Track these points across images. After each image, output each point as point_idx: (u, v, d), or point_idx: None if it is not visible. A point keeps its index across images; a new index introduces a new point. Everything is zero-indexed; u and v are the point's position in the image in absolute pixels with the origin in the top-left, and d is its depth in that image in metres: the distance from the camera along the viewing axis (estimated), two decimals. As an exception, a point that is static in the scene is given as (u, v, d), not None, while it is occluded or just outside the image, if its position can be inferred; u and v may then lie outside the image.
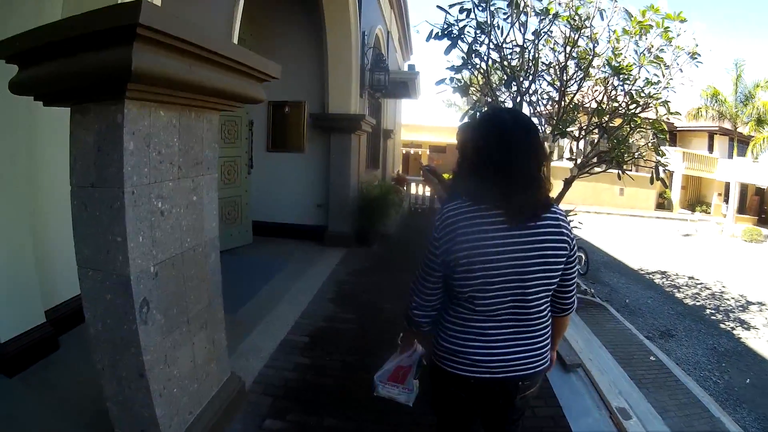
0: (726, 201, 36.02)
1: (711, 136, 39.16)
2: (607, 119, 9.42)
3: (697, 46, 8.67)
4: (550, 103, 10.35)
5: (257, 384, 4.72)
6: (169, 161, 2.99)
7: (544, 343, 2.37)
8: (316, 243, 10.44)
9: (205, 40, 2.78)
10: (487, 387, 2.31)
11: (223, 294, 6.03)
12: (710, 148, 39.19)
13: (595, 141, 9.66)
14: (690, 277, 18.05)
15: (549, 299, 2.35)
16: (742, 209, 35.15)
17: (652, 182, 9.56)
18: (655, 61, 8.86)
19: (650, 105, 9.15)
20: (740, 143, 35.43)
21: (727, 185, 35.40)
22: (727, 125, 34.46)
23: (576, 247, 2.31)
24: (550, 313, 2.40)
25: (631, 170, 9.10)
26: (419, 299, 2.42)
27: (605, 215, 33.61)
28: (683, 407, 6.75)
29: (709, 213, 38.15)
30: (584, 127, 9.92)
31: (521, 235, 2.14)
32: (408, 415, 2.69)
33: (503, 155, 2.12)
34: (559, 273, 2.27)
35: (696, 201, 39.89)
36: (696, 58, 8.96)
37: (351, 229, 10.73)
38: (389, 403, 3.24)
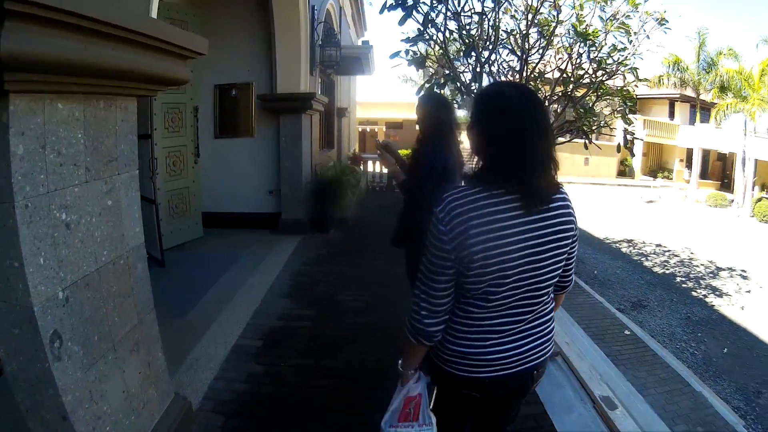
0: (688, 167, 37.23)
1: (672, 103, 39.70)
2: (572, 88, 9.25)
3: (665, 12, 8.53)
4: (510, 73, 10.12)
5: (207, 400, 4.27)
6: (73, 162, 2.49)
7: (552, 326, 2.27)
8: (270, 232, 9.90)
9: (107, 14, 2.28)
10: (502, 383, 2.17)
11: (172, 295, 5.85)
12: (671, 115, 39.73)
13: (559, 111, 9.38)
14: (657, 245, 18.41)
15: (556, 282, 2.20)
16: (704, 175, 36.24)
17: (618, 150, 9.66)
18: (622, 27, 8.73)
19: (618, 72, 9.04)
20: (702, 110, 36.32)
21: (689, 151, 36.62)
22: (689, 92, 34.96)
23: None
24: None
25: (596, 139, 9.06)
26: (429, 305, 2.09)
27: (567, 184, 34.19)
28: (663, 383, 6.80)
29: (671, 179, 39.19)
30: (548, 97, 9.70)
31: (535, 221, 1.98)
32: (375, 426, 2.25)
33: (517, 134, 1.92)
34: (567, 259, 2.18)
35: (657, 168, 40.94)
36: (664, 24, 8.81)
37: (306, 215, 10.18)
38: (354, 415, 2.78)
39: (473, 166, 2.10)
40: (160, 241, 7.61)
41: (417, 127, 4.54)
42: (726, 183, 37.13)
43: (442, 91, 10.25)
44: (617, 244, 17.87)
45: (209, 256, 8.30)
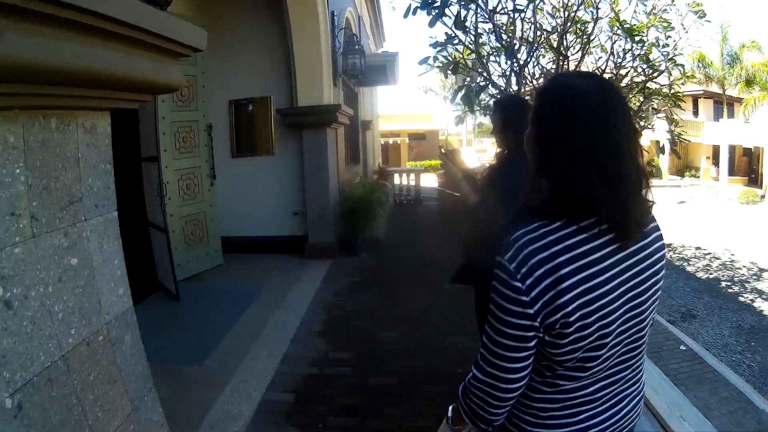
0: (715, 164, 37.21)
1: (695, 100, 39.15)
2: (624, 87, 8.76)
3: (702, 4, 8.25)
4: (552, 73, 9.59)
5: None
6: (9, 211, 1.71)
7: (643, 382, 1.74)
8: (295, 256, 9.11)
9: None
10: None
11: (188, 337, 5.55)
12: (695, 113, 39.11)
13: None
14: (697, 248, 18.10)
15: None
16: (731, 171, 35.69)
17: (663, 152, 9.58)
18: (662, 22, 8.24)
19: (667, 69, 8.52)
20: (728, 105, 36.31)
21: (715, 148, 36.32)
22: (715, 88, 35.13)
23: None
24: None
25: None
26: (494, 390, 1.51)
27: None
28: (726, 402, 6.46)
29: (699, 177, 38.98)
30: None
31: (633, 257, 1.46)
32: None
33: (602, 143, 1.36)
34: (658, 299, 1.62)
35: (684, 166, 40.25)
36: (703, 17, 8.34)
37: (334, 237, 9.37)
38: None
39: (539, 190, 1.50)
40: (173, 273, 6.91)
41: (493, 140, 3.60)
42: (753, 178, 36.75)
43: (478, 99, 9.62)
44: (657, 250, 17.09)
45: (230, 287, 7.55)
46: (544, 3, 8.74)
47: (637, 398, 1.69)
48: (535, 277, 1.37)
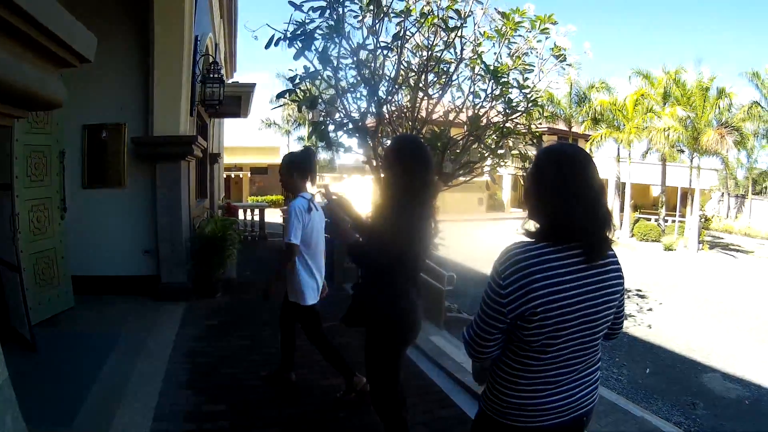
0: None
1: (540, 136, 41.07)
2: (482, 127, 8.93)
3: (565, 50, 8.65)
4: (407, 112, 9.66)
5: None
6: None
7: (598, 374, 2.36)
8: (149, 298, 8.48)
9: None
10: (557, 431, 2.21)
11: (51, 393, 5.07)
12: (540, 149, 41.61)
13: (459, 151, 9.04)
14: None
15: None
16: None
17: (488, 188, 10.72)
18: (525, 65, 8.54)
19: (526, 109, 8.80)
20: (571, 140, 38.83)
21: None
22: (561, 125, 37.45)
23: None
24: None
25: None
26: (477, 347, 2.25)
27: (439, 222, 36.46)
28: (604, 415, 6.51)
29: None
30: (451, 138, 9.32)
31: (593, 275, 2.10)
32: None
33: (585, 190, 2.06)
34: (617, 310, 2.27)
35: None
36: (564, 60, 8.71)
37: (188, 277, 8.86)
38: None
39: (528, 221, 2.23)
40: (27, 317, 6.17)
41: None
42: None
43: (336, 135, 9.50)
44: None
45: (86, 334, 6.91)
46: (407, 41, 8.77)
47: (590, 388, 2.28)
48: (512, 281, 2.03)
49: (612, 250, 2.19)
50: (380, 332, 3.57)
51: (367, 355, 3.69)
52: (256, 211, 18.79)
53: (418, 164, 3.40)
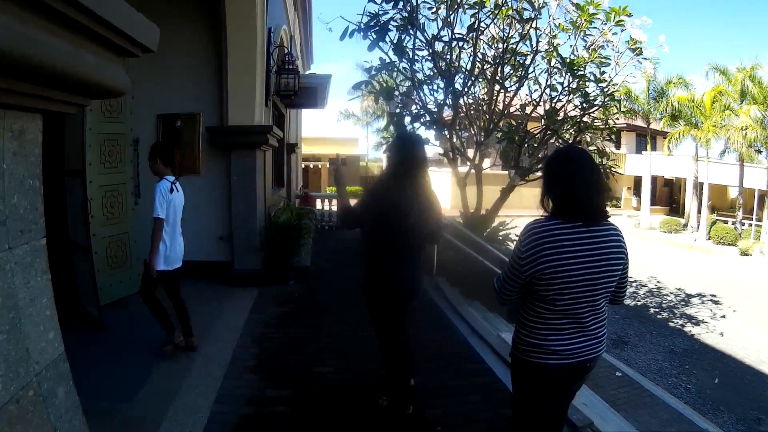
0: (636, 194, 39.42)
1: (618, 132, 39.99)
2: (559, 121, 8.75)
3: (641, 43, 8.22)
4: (484, 105, 9.51)
5: None
6: None
7: (605, 330, 2.93)
8: (221, 283, 8.63)
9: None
10: (563, 371, 2.83)
11: (115, 369, 5.29)
12: (617, 145, 40.27)
13: (537, 145, 8.79)
14: None
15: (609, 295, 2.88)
16: (653, 201, 37.04)
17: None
18: (601, 58, 8.32)
19: (603, 103, 8.56)
20: (649, 138, 37.90)
21: (636, 179, 38.40)
22: (639, 122, 36.16)
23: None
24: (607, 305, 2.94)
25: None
26: (503, 296, 2.98)
27: (516, 218, 35.41)
28: (668, 424, 6.58)
29: (620, 207, 40.44)
30: (528, 132, 9.10)
31: (593, 243, 2.69)
32: None
33: (583, 180, 2.70)
34: (618, 275, 2.82)
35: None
36: (640, 54, 8.43)
37: (261, 264, 8.97)
38: None
39: (545, 204, 2.85)
40: (96, 297, 6.44)
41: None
42: (674, 208, 39.08)
43: (413, 126, 9.44)
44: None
45: (152, 316, 6.93)
46: (482, 33, 8.68)
47: (595, 341, 2.84)
48: (529, 249, 2.68)
49: (613, 225, 2.83)
50: (368, 290, 4.41)
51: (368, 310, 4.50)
52: (333, 202, 18.64)
53: (405, 154, 4.25)
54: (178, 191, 5.69)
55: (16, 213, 1.86)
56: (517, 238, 2.94)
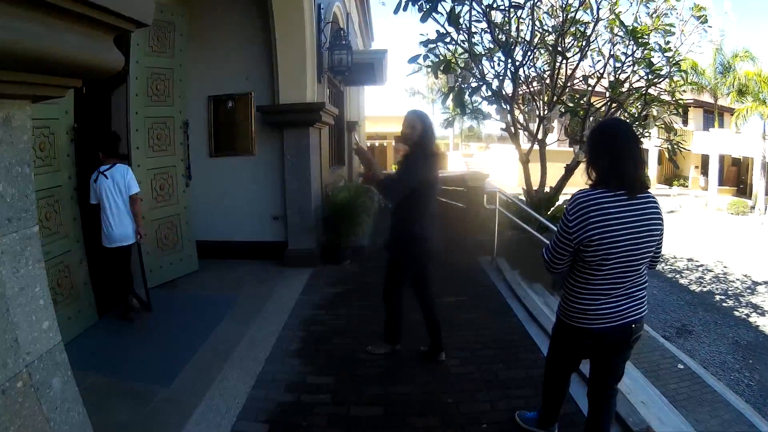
0: (703, 174, 37.84)
1: (685, 109, 38.59)
2: (624, 93, 8.41)
3: (705, 9, 7.93)
4: (546, 78, 9.22)
5: None
6: None
7: (645, 293, 3.13)
8: (275, 263, 8.57)
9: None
10: (608, 333, 3.04)
11: (157, 351, 5.39)
12: (684, 122, 38.89)
13: (601, 120, 8.49)
14: (689, 259, 18.09)
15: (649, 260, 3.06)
16: (720, 181, 35.78)
17: (671, 160, 9.98)
18: (665, 25, 7.94)
19: (669, 74, 8.19)
20: (716, 114, 36.70)
21: (704, 158, 36.67)
22: (706, 97, 35.23)
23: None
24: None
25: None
26: (551, 264, 3.17)
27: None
28: (728, 425, 6.18)
29: (687, 187, 39.23)
30: (592, 105, 8.79)
31: (634, 211, 2.89)
32: None
33: (626, 151, 2.90)
34: (657, 242, 3.02)
35: (673, 175, 39.87)
36: (705, 22, 8.02)
37: (316, 243, 8.83)
38: None
39: (590, 174, 3.05)
40: (144, 278, 6.50)
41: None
42: (742, 188, 37.21)
43: (472, 100, 9.23)
44: (648, 260, 16.69)
45: (204, 297, 7.06)
46: (541, 2, 8.40)
47: (637, 303, 3.04)
48: (576, 217, 2.87)
49: (651, 194, 3.01)
50: (401, 248, 4.91)
51: (388, 266, 5.12)
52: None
53: (430, 134, 4.84)
54: (107, 178, 5.95)
55: (2, 201, 1.80)
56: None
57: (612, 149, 2.90)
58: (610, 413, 3.44)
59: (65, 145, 5.66)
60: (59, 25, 1.73)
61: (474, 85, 8.87)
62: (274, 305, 6.71)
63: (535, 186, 9.91)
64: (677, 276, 15.71)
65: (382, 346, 5.30)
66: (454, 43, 8.44)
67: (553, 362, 3.59)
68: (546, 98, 9.50)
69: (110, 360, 5.18)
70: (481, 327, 5.98)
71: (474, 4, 7.89)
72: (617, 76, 8.91)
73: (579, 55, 9.04)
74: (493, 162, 40.36)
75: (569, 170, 9.53)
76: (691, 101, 36.01)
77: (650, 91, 8.94)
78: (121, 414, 4.16)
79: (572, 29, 8.70)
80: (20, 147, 1.90)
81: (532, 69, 9.79)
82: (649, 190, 3.02)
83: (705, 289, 14.72)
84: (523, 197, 10.23)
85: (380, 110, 39.85)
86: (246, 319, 6.17)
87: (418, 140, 4.70)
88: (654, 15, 8.40)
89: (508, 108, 9.21)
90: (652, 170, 39.25)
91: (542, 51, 9.54)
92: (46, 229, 5.32)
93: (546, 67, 9.95)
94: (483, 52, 9.01)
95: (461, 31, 8.25)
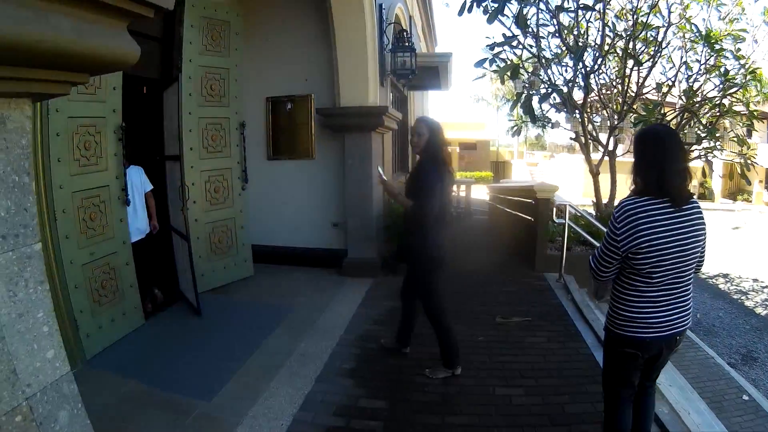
0: None
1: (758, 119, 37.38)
2: (697, 103, 8.01)
3: None
4: (618, 85, 8.86)
5: None
6: None
7: (691, 302, 3.12)
8: (332, 271, 8.32)
9: None
10: (656, 343, 3.02)
11: (203, 361, 5.21)
12: (748, 133, 37.56)
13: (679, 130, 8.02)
14: (755, 280, 16.60)
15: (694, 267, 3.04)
16: None
17: (742, 175, 9.26)
18: (737, 32, 7.59)
19: (747, 83, 7.80)
20: None
21: None
22: None
23: None
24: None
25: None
26: (597, 273, 3.16)
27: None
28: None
29: (751, 202, 37.35)
30: (664, 115, 8.39)
31: (681, 219, 2.87)
32: None
33: (673, 159, 2.86)
34: (702, 249, 3.01)
35: (736, 190, 38.56)
36: None
37: (377, 253, 8.50)
38: None
39: (636, 182, 3.00)
40: (194, 283, 6.29)
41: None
42: None
43: (541, 107, 8.94)
44: (713, 280, 15.90)
45: (257, 304, 6.85)
46: (610, 4, 8.04)
47: (684, 312, 3.03)
48: (624, 225, 2.89)
49: (696, 202, 2.98)
50: (419, 261, 4.90)
51: (411, 281, 5.20)
52: (462, 187, 18.13)
53: (438, 140, 4.74)
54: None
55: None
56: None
57: (660, 159, 2.88)
58: (649, 409, 3.53)
59: (112, 144, 5.53)
60: (59, 9, 1.48)
61: (543, 91, 8.53)
62: (330, 318, 6.41)
63: (604, 199, 9.52)
64: (742, 297, 14.66)
65: (441, 371, 4.98)
66: (521, 47, 8.13)
67: (608, 380, 3.42)
68: (617, 107, 9.11)
69: (152, 367, 5.04)
70: (546, 352, 5.52)
71: (542, 4, 7.57)
72: (690, 84, 8.49)
73: (651, 61, 8.62)
74: (558, 172, 39.73)
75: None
76: (760, 112, 34.84)
77: (724, 100, 8.52)
78: (155, 429, 3.98)
79: (643, 34, 8.30)
80: (17, 153, 1.70)
81: (603, 76, 9.40)
82: (694, 198, 3.03)
83: (772, 313, 14.22)
84: (590, 210, 9.82)
85: (445, 116, 39.71)
86: (299, 331, 5.92)
87: (426, 147, 4.74)
88: (726, 19, 7.97)
89: (579, 116, 8.83)
90: (716, 183, 38.32)
91: (611, 57, 9.15)
92: (91, 230, 5.25)
93: (616, 74, 9.56)
94: (551, 57, 8.68)
95: (528, 35, 7.94)
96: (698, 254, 2.97)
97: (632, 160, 3.07)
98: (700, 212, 2.99)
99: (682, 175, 2.88)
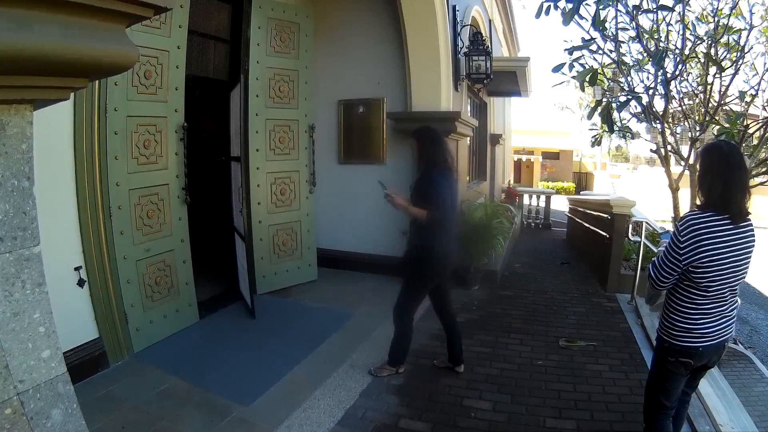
0: None
1: None
2: None
3: None
4: (700, 94, 8.51)
5: None
6: None
7: (736, 312, 3.25)
8: (399, 281, 8.12)
9: None
10: (707, 352, 3.15)
11: (249, 363, 5.22)
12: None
13: (757, 144, 7.78)
14: None
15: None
16: None
17: None
18: None
19: None
20: None
21: None
22: None
23: None
24: None
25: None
26: (656, 282, 3.24)
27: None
28: None
29: None
30: (747, 127, 8.11)
31: (738, 235, 2.98)
32: None
33: (732, 173, 2.96)
34: (749, 264, 3.11)
35: None
36: None
37: (445, 264, 8.30)
38: None
39: (699, 195, 3.14)
40: (251, 284, 6.41)
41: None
42: None
43: (620, 116, 8.69)
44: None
45: (317, 309, 6.80)
46: (690, 5, 7.74)
47: (731, 321, 3.20)
48: (687, 239, 2.97)
49: (749, 219, 3.05)
50: (420, 266, 4.91)
51: (405, 281, 5.07)
52: (542, 198, 17.85)
53: (434, 148, 4.89)
54: None
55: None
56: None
57: (725, 176, 2.96)
58: (683, 416, 3.70)
59: (174, 143, 5.60)
60: (44, 17, 1.47)
61: (622, 99, 8.24)
62: (388, 328, 6.05)
63: (684, 215, 9.13)
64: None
65: (385, 369, 5.12)
66: (600, 51, 7.88)
67: (655, 390, 3.45)
68: (699, 117, 8.71)
69: (197, 365, 5.09)
70: (607, 383, 5.11)
71: (619, 5, 7.33)
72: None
73: (733, 68, 8.22)
74: (641, 185, 38.68)
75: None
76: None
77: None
78: (187, 427, 3.99)
79: (724, 39, 7.92)
80: (16, 158, 1.73)
81: (685, 83, 9.03)
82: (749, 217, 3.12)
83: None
84: (669, 227, 9.41)
85: (527, 123, 38.94)
86: (354, 340, 5.81)
87: (420, 156, 4.94)
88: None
89: (659, 127, 8.49)
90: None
91: (692, 63, 8.78)
92: (147, 227, 5.37)
93: (698, 82, 9.16)
94: (632, 63, 8.39)
95: (607, 39, 7.70)
96: (747, 269, 3.09)
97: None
98: (753, 231, 3.10)
99: (743, 191, 2.98)
